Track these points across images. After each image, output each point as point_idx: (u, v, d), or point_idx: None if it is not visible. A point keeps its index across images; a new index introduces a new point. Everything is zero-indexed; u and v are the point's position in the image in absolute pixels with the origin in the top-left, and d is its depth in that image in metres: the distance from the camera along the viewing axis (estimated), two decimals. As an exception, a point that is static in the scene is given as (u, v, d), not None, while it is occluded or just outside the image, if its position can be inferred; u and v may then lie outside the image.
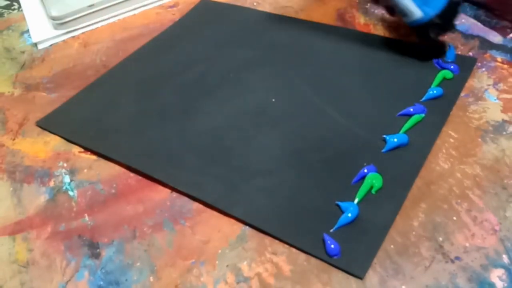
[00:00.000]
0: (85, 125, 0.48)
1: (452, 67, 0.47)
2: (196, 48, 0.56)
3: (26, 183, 0.44)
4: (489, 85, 0.46)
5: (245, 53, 0.54)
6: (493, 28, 0.51)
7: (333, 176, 0.39)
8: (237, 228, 0.37)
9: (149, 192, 0.41)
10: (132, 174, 0.43)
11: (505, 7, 0.51)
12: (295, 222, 0.37)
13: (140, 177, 0.42)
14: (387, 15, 0.53)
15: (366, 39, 0.53)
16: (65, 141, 0.47)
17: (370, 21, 0.56)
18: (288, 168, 0.40)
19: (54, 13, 0.62)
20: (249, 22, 0.60)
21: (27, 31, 0.65)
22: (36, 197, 0.43)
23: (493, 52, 0.49)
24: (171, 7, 0.66)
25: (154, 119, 0.47)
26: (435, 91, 0.44)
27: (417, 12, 0.43)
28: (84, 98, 0.52)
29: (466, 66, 0.47)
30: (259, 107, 0.47)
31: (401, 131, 0.42)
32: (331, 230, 0.35)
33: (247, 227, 0.37)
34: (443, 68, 0.47)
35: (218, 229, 0.37)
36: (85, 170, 0.44)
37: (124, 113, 0.49)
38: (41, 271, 0.37)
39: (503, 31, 0.51)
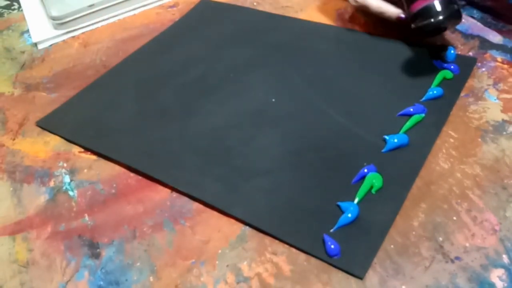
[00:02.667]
0: (85, 125, 0.48)
1: (452, 67, 0.47)
2: (196, 48, 0.56)
3: (26, 183, 0.44)
4: (489, 85, 0.46)
5: (245, 53, 0.54)
6: (499, 30, 0.51)
7: (333, 176, 0.39)
8: (237, 228, 0.37)
9: (149, 192, 0.41)
10: (132, 174, 0.43)
11: (510, 12, 0.51)
12: (295, 222, 0.36)
13: (140, 177, 0.42)
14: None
15: (366, 39, 0.53)
16: (65, 141, 0.47)
17: (370, 21, 0.56)
18: (288, 168, 0.40)
19: (54, 13, 0.62)
20: (249, 22, 0.60)
21: (27, 31, 0.65)
22: (36, 197, 0.43)
23: (493, 52, 0.49)
24: (171, 7, 0.66)
25: (154, 119, 0.48)
26: (435, 91, 0.44)
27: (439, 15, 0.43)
28: (84, 98, 0.52)
29: (466, 66, 0.47)
30: (259, 107, 0.47)
31: (401, 131, 0.42)
32: (331, 230, 0.35)
33: (247, 227, 0.37)
34: (443, 68, 0.47)
35: (218, 229, 0.37)
36: (85, 170, 0.44)
37: (124, 113, 0.49)
38: (41, 271, 0.37)
39: (509, 34, 0.51)
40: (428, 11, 0.44)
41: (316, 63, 0.51)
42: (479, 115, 0.43)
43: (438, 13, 0.43)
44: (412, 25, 0.45)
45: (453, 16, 0.44)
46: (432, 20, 0.44)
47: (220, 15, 0.62)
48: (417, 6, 0.45)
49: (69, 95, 0.53)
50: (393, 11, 0.49)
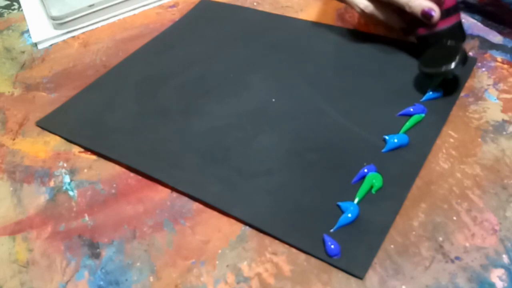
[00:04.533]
0: (85, 125, 0.48)
1: (452, 67, 0.47)
2: (196, 48, 0.56)
3: (26, 183, 0.44)
4: (489, 85, 0.46)
5: (245, 53, 0.54)
6: (501, 33, 0.51)
7: (333, 176, 0.39)
8: (237, 228, 0.37)
9: (149, 192, 0.41)
10: (132, 174, 0.43)
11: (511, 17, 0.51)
12: (295, 222, 0.36)
13: (140, 177, 0.42)
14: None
15: (366, 39, 0.53)
16: (65, 141, 0.47)
17: (370, 21, 0.56)
18: (288, 168, 0.40)
19: (54, 13, 0.62)
20: (249, 22, 0.60)
21: (27, 31, 0.65)
22: (36, 197, 0.43)
23: (493, 52, 0.49)
24: (171, 7, 0.66)
25: (154, 119, 0.48)
26: (435, 91, 0.44)
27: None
28: (84, 98, 0.52)
29: (466, 66, 0.47)
30: (259, 107, 0.47)
31: (401, 131, 0.42)
32: (331, 230, 0.35)
33: (247, 227, 0.37)
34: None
35: (218, 229, 0.37)
36: (85, 170, 0.44)
37: (124, 113, 0.49)
38: (41, 271, 0.37)
39: (509, 35, 0.50)
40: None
41: (316, 63, 0.51)
42: (479, 115, 0.43)
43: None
44: (423, 70, 0.44)
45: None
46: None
47: (220, 15, 0.62)
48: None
49: (69, 95, 0.53)
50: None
